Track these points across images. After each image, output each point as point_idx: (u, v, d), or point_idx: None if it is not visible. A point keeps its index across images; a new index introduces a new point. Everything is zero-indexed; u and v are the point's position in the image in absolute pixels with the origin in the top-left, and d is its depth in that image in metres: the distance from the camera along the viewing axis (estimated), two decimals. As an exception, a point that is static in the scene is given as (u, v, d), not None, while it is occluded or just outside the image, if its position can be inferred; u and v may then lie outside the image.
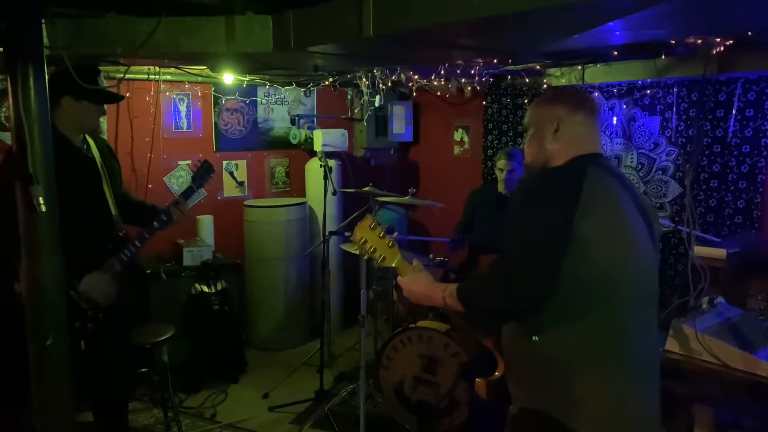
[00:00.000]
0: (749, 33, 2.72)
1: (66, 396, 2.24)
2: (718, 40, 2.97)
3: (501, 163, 4.04)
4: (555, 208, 1.56)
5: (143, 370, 3.74)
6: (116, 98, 2.97)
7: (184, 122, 4.79)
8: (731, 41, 3.01)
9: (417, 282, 1.88)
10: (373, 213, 3.86)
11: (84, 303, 2.55)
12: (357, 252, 1.91)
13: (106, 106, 2.73)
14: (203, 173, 2.97)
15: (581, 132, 1.77)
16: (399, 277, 1.90)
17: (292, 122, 5.32)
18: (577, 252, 1.52)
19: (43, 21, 2.26)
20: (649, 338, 1.71)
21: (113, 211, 2.72)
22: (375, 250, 1.88)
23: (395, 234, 1.91)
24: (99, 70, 2.63)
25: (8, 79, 2.04)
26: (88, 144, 2.70)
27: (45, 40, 2.27)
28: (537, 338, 1.62)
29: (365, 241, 1.88)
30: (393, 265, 1.90)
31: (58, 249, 2.20)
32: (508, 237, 1.65)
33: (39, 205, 2.03)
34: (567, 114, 1.76)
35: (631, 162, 4.36)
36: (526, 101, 4.95)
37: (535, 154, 1.80)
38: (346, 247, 4.27)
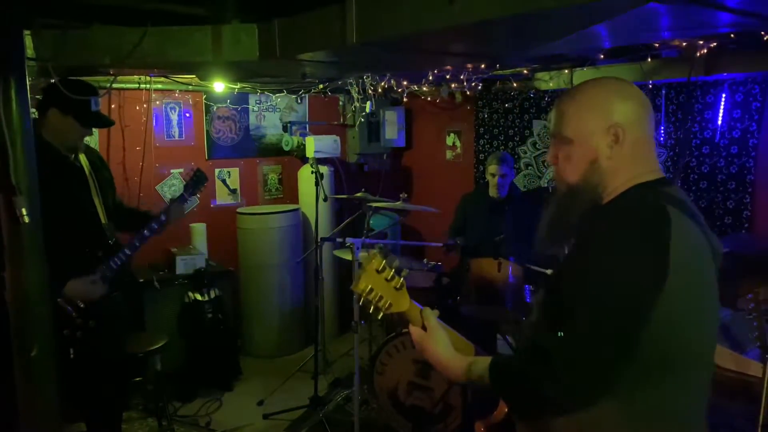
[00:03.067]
0: (732, 35, 2.73)
1: (53, 407, 2.24)
2: (702, 42, 2.99)
3: (492, 167, 4.05)
4: (637, 287, 1.19)
5: (137, 379, 3.74)
6: (105, 123, 2.90)
7: (175, 131, 4.80)
8: (715, 43, 3.02)
9: (434, 343, 1.48)
10: (367, 226, 3.85)
11: (70, 309, 2.55)
12: (359, 302, 1.52)
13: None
14: (196, 182, 2.97)
15: (643, 143, 1.36)
16: (412, 327, 1.52)
17: (284, 129, 5.33)
18: (652, 331, 1.20)
19: (28, 32, 2.27)
20: (703, 406, 1.36)
21: (103, 220, 2.72)
22: (381, 297, 1.47)
23: (405, 272, 1.52)
24: (96, 91, 2.63)
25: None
26: (76, 153, 2.70)
27: (30, 51, 2.28)
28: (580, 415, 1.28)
29: (371, 290, 1.46)
30: (402, 311, 1.50)
31: (43, 260, 2.20)
32: (561, 293, 1.29)
33: (22, 216, 2.03)
34: (630, 118, 1.34)
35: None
36: (516, 105, 4.98)
37: (584, 175, 1.36)
38: (340, 253, 4.27)
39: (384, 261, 1.47)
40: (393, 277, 1.47)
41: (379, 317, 1.50)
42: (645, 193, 1.32)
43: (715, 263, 1.33)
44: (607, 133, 1.33)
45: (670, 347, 1.23)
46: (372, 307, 1.48)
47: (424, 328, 1.51)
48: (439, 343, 1.47)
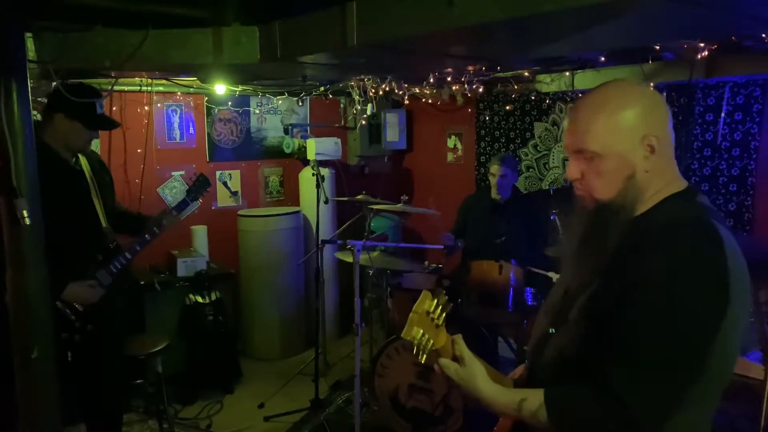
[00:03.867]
0: (732, 38, 2.73)
1: (53, 409, 2.24)
2: (702, 44, 2.99)
3: (494, 168, 4.05)
4: (704, 315, 1.15)
5: (138, 381, 3.74)
6: (111, 125, 2.88)
7: (177, 133, 4.81)
8: (716, 46, 3.02)
9: (474, 377, 1.34)
10: (368, 228, 3.85)
11: (67, 312, 2.55)
12: (413, 347, 1.31)
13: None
14: (199, 187, 2.98)
15: (671, 148, 1.30)
16: (444, 361, 1.36)
17: (286, 131, 5.34)
18: (715, 355, 1.17)
19: (29, 35, 2.28)
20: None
21: (103, 223, 2.73)
22: (428, 338, 1.31)
23: (450, 305, 1.37)
24: (100, 93, 2.63)
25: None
26: (77, 157, 2.71)
27: (32, 54, 2.29)
28: None
29: (423, 335, 1.30)
30: (439, 348, 1.35)
31: (43, 262, 2.20)
32: (613, 316, 1.21)
33: (23, 218, 2.03)
34: (660, 125, 1.27)
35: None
36: (517, 108, 4.98)
37: (621, 191, 1.28)
38: (341, 255, 4.28)
39: (435, 302, 1.33)
40: (439, 316, 1.34)
41: (423, 360, 1.33)
42: (687, 207, 1.27)
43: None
44: (642, 145, 1.25)
45: (720, 368, 1.22)
46: (420, 352, 1.31)
47: (454, 359, 1.37)
48: (479, 376, 1.35)
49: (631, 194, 1.27)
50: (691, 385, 1.18)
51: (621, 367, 1.17)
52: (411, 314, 1.30)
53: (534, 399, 1.27)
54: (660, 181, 1.28)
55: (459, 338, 1.38)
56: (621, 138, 1.25)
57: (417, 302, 1.32)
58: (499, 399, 1.33)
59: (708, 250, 1.17)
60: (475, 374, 1.34)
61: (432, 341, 1.32)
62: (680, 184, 1.32)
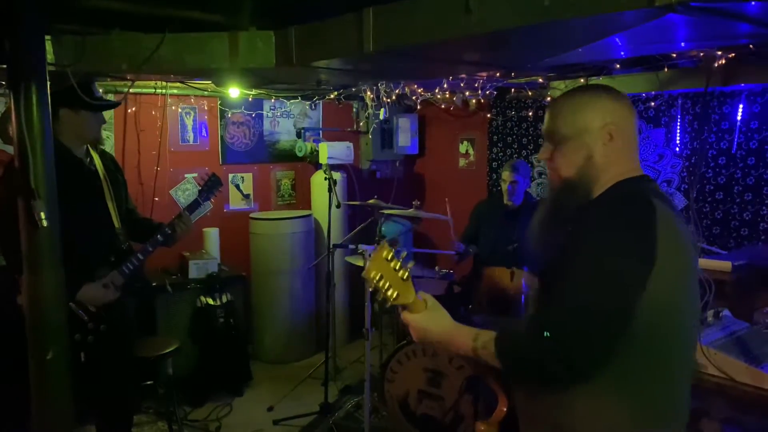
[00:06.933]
0: (750, 46, 2.71)
1: (67, 410, 2.25)
2: (720, 53, 2.97)
3: (505, 174, 4.04)
4: (629, 264, 1.29)
5: (148, 382, 3.75)
6: (113, 105, 2.93)
7: (190, 135, 4.83)
8: (733, 54, 3.00)
9: (436, 321, 1.52)
10: (379, 232, 3.85)
11: (80, 313, 2.56)
12: (369, 288, 1.53)
13: (113, 120, 2.76)
14: (210, 187, 2.98)
15: (631, 143, 1.49)
16: (406, 314, 1.54)
17: (298, 135, 5.35)
18: (643, 310, 1.29)
19: (48, 38, 2.30)
20: (688, 392, 1.47)
21: (116, 224, 2.74)
22: (390, 287, 1.49)
23: (412, 263, 1.57)
24: (93, 78, 2.65)
25: (11, 95, 2.07)
26: (91, 157, 2.72)
27: (50, 57, 2.30)
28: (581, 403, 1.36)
29: (381, 277, 1.48)
30: (407, 303, 1.52)
31: (60, 264, 2.21)
32: (560, 279, 1.35)
33: (41, 220, 2.04)
34: (621, 118, 1.46)
35: (637, 174, 4.35)
36: (530, 114, 4.97)
37: (580, 169, 1.46)
38: (351, 259, 4.27)
39: (392, 251, 1.50)
40: (400, 268, 1.50)
41: (388, 306, 1.53)
42: (631, 186, 1.44)
43: (695, 254, 1.46)
44: (602, 131, 1.44)
45: (658, 329, 1.33)
46: (381, 296, 1.50)
47: None
48: (442, 318, 1.53)
49: (589, 173, 1.45)
50: (617, 331, 1.29)
51: (553, 308, 1.34)
52: (369, 259, 1.50)
53: (488, 334, 1.43)
54: (618, 167, 1.45)
55: (428, 296, 1.56)
56: (584, 123, 1.45)
57: (374, 250, 1.51)
58: (459, 331, 1.49)
59: (637, 214, 1.34)
60: (440, 318, 1.53)
61: (397, 293, 1.49)
62: (637, 173, 1.48)
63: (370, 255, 1.54)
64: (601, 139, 1.44)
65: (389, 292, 1.49)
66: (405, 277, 1.51)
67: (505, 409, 1.61)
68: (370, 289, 1.57)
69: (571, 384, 1.34)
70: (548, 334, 1.28)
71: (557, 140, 1.50)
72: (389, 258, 1.49)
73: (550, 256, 1.46)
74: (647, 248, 1.29)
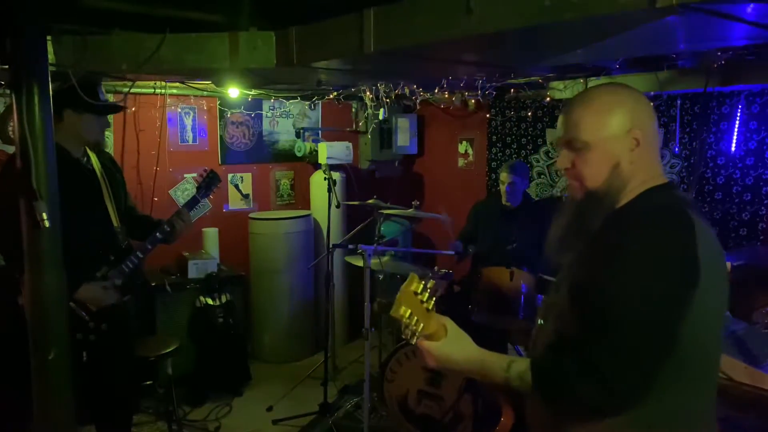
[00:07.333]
0: (749, 47, 2.72)
1: (68, 410, 2.25)
2: (719, 53, 2.97)
3: (503, 175, 4.04)
4: (674, 290, 1.23)
5: (148, 382, 3.76)
6: (117, 108, 2.92)
7: (189, 135, 4.83)
8: (732, 54, 3.01)
9: (460, 348, 1.41)
10: (378, 232, 3.84)
11: (82, 312, 2.56)
12: (399, 323, 1.36)
13: (112, 120, 2.76)
14: (209, 183, 2.98)
15: (655, 147, 1.41)
16: (425, 342, 1.41)
17: (297, 135, 5.35)
18: (686, 332, 1.24)
19: (49, 38, 2.29)
20: (714, 408, 1.42)
21: (115, 223, 2.73)
22: (417, 321, 1.36)
23: (438, 293, 1.50)
24: (99, 81, 2.65)
25: (13, 96, 2.07)
26: (88, 156, 2.72)
27: (51, 57, 2.30)
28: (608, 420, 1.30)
29: (410, 315, 1.35)
30: (430, 333, 1.40)
31: (62, 264, 2.22)
32: (596, 299, 1.27)
33: (42, 220, 2.04)
34: (645, 122, 1.37)
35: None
36: (529, 114, 4.97)
37: (606, 180, 1.37)
38: (351, 259, 4.28)
39: (422, 284, 1.38)
40: (427, 300, 1.39)
41: (414, 342, 1.39)
42: (663, 197, 1.36)
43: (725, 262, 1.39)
44: (628, 137, 1.35)
45: (696, 349, 1.27)
46: (410, 332, 1.37)
47: None
48: (469, 343, 1.42)
49: (616, 183, 1.36)
50: (661, 360, 1.24)
51: (595, 337, 1.25)
52: (398, 294, 1.35)
53: (522, 362, 1.35)
54: (643, 174, 1.37)
55: (448, 320, 1.43)
56: (609, 129, 1.36)
57: (404, 283, 1.37)
58: (491, 358, 1.39)
59: (678, 231, 1.26)
60: (466, 341, 1.42)
61: (422, 324, 1.36)
62: (662, 179, 1.41)
63: (399, 290, 1.37)
64: (627, 146, 1.35)
65: (417, 327, 1.37)
66: (430, 308, 1.39)
67: (510, 423, 1.58)
68: (401, 329, 1.40)
69: (616, 414, 1.28)
70: (597, 369, 1.22)
71: (578, 148, 1.38)
72: (419, 291, 1.37)
73: (576, 269, 1.39)
74: (691, 270, 1.22)
